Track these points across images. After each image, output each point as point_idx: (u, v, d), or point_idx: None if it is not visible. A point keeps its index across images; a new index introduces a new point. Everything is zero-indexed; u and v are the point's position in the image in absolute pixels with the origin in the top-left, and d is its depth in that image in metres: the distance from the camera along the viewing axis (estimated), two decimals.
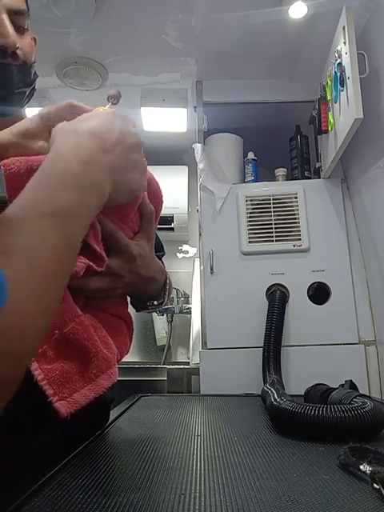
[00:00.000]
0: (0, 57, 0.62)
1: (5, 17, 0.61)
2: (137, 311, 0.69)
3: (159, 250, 0.76)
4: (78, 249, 0.38)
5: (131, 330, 0.63)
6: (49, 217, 0.35)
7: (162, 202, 0.66)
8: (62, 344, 0.47)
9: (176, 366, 1.76)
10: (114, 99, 0.58)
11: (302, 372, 1.32)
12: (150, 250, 0.60)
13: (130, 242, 0.55)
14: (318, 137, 1.54)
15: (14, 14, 0.63)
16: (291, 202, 1.51)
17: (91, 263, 0.50)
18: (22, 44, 0.64)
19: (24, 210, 0.35)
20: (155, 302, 0.67)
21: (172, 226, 2.14)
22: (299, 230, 1.47)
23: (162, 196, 0.65)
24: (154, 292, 0.65)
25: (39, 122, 0.53)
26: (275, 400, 0.67)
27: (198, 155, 1.63)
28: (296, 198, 1.51)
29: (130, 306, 0.68)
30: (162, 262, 0.78)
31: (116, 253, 0.54)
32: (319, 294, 1.43)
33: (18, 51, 0.64)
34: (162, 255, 0.80)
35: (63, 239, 0.35)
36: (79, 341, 0.48)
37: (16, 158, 0.51)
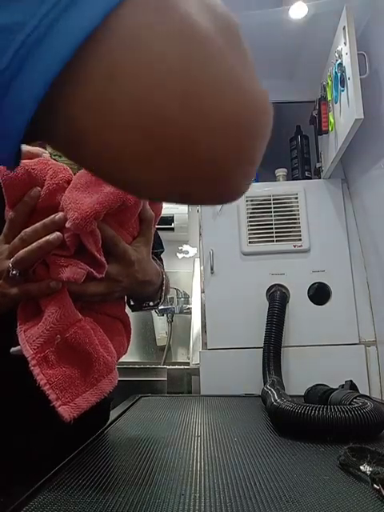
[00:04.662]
0: None
1: None
2: (132, 311, 0.69)
3: (158, 246, 0.77)
4: None
5: (129, 330, 0.63)
6: None
7: (161, 206, 0.66)
8: (64, 349, 0.47)
9: (176, 367, 1.76)
10: None
11: (302, 372, 1.32)
12: (147, 255, 0.60)
13: (128, 248, 0.56)
14: (319, 137, 1.54)
15: None
16: (291, 202, 1.51)
17: (91, 270, 0.50)
18: None
19: None
20: (151, 303, 0.68)
21: (172, 226, 2.14)
22: (299, 231, 1.47)
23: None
24: (150, 294, 0.66)
25: None
26: (275, 400, 0.67)
27: None
28: (296, 198, 1.51)
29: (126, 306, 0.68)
30: (161, 259, 0.78)
31: (114, 258, 0.54)
32: (319, 294, 1.43)
33: None
34: (161, 252, 0.80)
35: None
36: (81, 345, 0.48)
37: None
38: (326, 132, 1.42)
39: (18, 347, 0.47)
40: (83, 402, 0.46)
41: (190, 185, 0.22)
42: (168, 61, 0.18)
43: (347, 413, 0.57)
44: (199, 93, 0.19)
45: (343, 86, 1.20)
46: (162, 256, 0.80)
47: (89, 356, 0.48)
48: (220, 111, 0.20)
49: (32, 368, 0.44)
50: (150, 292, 0.65)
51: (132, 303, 0.69)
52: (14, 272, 0.48)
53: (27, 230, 0.49)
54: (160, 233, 0.79)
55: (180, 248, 2.33)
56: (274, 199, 1.52)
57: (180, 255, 2.33)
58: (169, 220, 2.12)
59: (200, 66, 0.19)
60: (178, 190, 0.23)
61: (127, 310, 0.68)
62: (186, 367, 1.75)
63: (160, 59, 0.18)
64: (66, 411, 0.44)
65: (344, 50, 1.19)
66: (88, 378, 0.48)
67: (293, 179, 1.63)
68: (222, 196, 0.25)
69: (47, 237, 0.47)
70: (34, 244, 0.47)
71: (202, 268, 1.52)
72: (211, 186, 0.23)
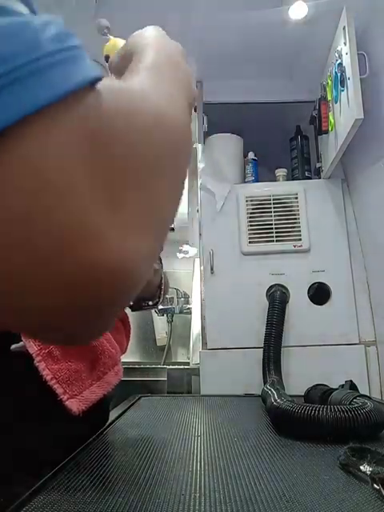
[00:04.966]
0: None
1: None
2: (132, 311, 0.69)
3: None
4: (187, 116, 0.33)
5: (128, 329, 0.63)
6: (148, 70, 0.31)
7: None
8: None
9: (176, 367, 1.76)
10: (107, 29, 0.57)
11: (302, 372, 1.32)
12: None
13: None
14: (319, 137, 1.54)
15: None
16: (291, 202, 1.51)
17: None
18: None
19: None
20: (150, 303, 0.68)
21: (172, 226, 2.14)
22: (299, 230, 1.47)
23: None
24: (148, 294, 0.66)
25: None
26: (275, 400, 0.67)
27: (199, 155, 1.63)
28: (296, 198, 1.51)
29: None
30: (160, 258, 0.78)
31: None
32: (319, 294, 1.43)
33: None
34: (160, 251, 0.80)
35: (169, 88, 0.30)
36: None
37: None
38: (326, 132, 1.42)
39: (20, 344, 0.47)
40: (90, 394, 0.46)
41: (33, 327, 0.21)
42: (13, 210, 0.17)
43: (347, 413, 0.57)
44: (36, 247, 0.18)
45: (343, 86, 1.20)
46: (161, 255, 0.80)
47: (94, 350, 0.48)
48: (55, 268, 0.18)
49: (37, 364, 0.45)
50: (149, 292, 0.65)
51: (131, 303, 0.69)
52: None
53: None
54: None
55: (180, 248, 2.33)
56: (273, 199, 1.52)
57: (180, 255, 2.34)
58: None
59: (46, 218, 0.18)
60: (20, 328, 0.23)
61: (127, 309, 0.68)
62: (186, 367, 1.75)
63: (5, 208, 0.17)
64: (74, 404, 0.44)
65: (344, 50, 1.19)
66: (94, 372, 0.48)
67: (293, 179, 1.63)
68: (65, 342, 0.24)
69: None
70: None
71: (201, 268, 1.52)
72: (50, 335, 0.23)
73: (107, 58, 0.54)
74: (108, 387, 0.48)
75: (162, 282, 0.68)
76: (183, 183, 0.27)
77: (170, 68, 0.33)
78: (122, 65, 0.39)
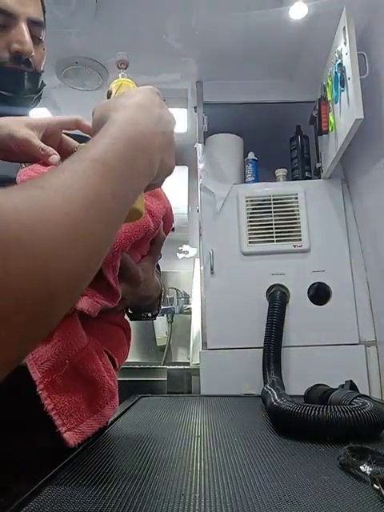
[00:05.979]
0: (15, 62, 0.65)
1: (24, 25, 0.65)
2: (130, 320, 0.70)
3: None
4: (126, 208, 0.35)
5: (129, 335, 0.64)
6: (94, 162, 0.32)
7: (171, 227, 0.68)
8: (71, 373, 0.47)
9: (176, 367, 1.76)
10: (123, 64, 0.58)
11: (302, 372, 1.32)
12: (152, 272, 0.62)
13: (138, 270, 0.57)
14: (319, 137, 1.54)
15: (33, 24, 0.66)
16: (291, 202, 1.51)
17: (106, 302, 0.50)
18: (35, 53, 0.68)
19: (69, 160, 0.32)
20: (149, 314, 0.69)
21: (172, 226, 2.14)
22: (299, 231, 1.47)
23: (173, 220, 0.67)
24: (148, 306, 0.67)
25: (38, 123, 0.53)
26: (275, 400, 0.67)
27: (199, 155, 1.63)
28: (296, 198, 1.51)
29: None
30: (158, 266, 0.79)
31: (124, 279, 0.55)
32: (319, 294, 1.43)
33: (31, 59, 0.67)
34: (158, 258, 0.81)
35: (109, 186, 0.32)
36: (89, 372, 0.48)
37: (29, 167, 0.51)
38: (326, 132, 1.42)
39: None
40: (87, 428, 0.46)
41: None
42: None
43: (347, 413, 0.57)
44: None
45: (343, 86, 1.20)
46: (158, 262, 0.81)
47: (95, 383, 0.48)
48: None
49: (40, 392, 0.45)
50: (148, 304, 0.67)
51: (130, 312, 0.71)
52: None
53: None
54: None
55: (180, 248, 2.33)
56: (273, 199, 1.52)
57: (180, 255, 2.34)
58: None
59: None
60: None
61: (126, 317, 0.69)
62: (186, 367, 1.75)
63: None
64: (71, 437, 0.44)
65: (344, 50, 1.19)
66: (92, 404, 0.48)
67: (293, 179, 1.63)
68: None
69: None
70: None
71: (201, 268, 1.52)
72: None
73: (109, 94, 0.55)
74: (104, 421, 0.49)
75: (162, 294, 0.69)
76: (54, 319, 0.27)
77: (120, 160, 0.34)
78: (96, 127, 0.41)
